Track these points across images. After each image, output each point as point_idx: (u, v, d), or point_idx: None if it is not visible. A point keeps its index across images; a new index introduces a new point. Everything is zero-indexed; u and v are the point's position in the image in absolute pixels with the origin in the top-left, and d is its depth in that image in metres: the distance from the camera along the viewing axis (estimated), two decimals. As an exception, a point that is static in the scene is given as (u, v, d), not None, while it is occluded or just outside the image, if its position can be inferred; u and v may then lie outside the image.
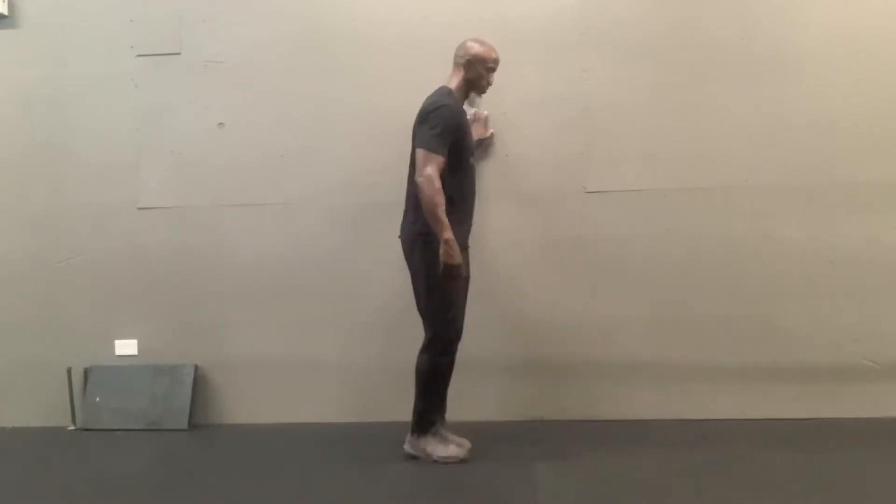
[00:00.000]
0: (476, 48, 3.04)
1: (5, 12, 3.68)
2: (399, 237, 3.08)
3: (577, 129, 3.53)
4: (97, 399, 3.66)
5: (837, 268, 3.44)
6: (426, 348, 3.01)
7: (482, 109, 3.46)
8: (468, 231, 3.08)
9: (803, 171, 3.46)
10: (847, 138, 3.44)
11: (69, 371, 3.67)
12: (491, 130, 3.50)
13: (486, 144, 3.50)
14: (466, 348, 3.27)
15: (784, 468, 2.83)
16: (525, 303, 3.55)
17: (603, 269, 3.52)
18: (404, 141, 3.03)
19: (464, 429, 3.19)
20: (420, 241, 2.94)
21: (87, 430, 3.63)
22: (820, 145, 3.45)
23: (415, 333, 3.05)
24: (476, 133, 3.37)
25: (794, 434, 3.25)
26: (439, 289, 2.93)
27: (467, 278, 3.08)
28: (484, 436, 3.22)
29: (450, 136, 2.90)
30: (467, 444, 3.10)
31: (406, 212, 3.05)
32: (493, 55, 3.06)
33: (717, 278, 3.48)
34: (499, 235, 3.52)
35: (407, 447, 3.06)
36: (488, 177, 3.49)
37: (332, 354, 3.61)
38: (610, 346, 3.51)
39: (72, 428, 3.67)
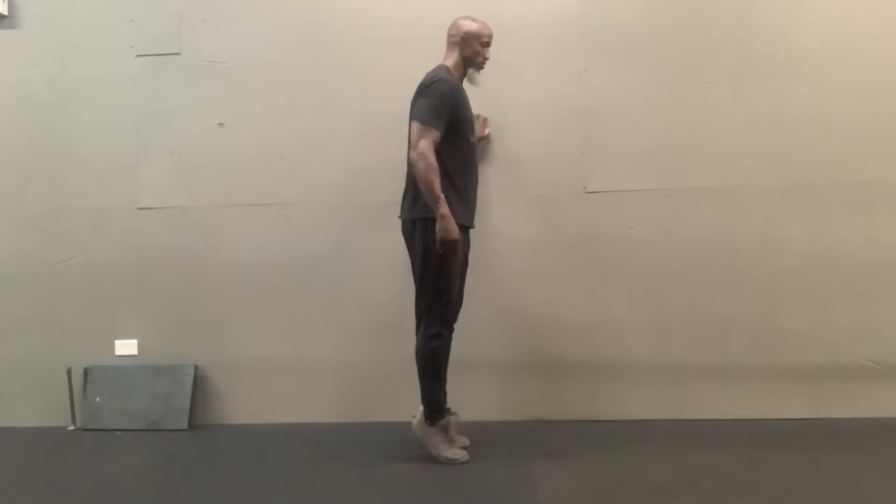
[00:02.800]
0: (468, 24, 3.03)
1: (5, 12, 3.68)
2: (399, 217, 3.07)
3: (577, 129, 3.53)
4: (97, 399, 3.66)
5: (837, 268, 3.44)
6: (422, 331, 3.00)
7: (480, 106, 3.44)
8: (472, 211, 3.05)
9: (803, 171, 3.46)
10: (847, 138, 3.44)
11: (69, 371, 3.67)
12: (488, 130, 3.50)
13: (484, 144, 3.50)
14: (466, 348, 3.28)
15: (784, 468, 2.83)
16: (525, 303, 3.55)
17: (603, 269, 3.52)
18: (404, 140, 3.03)
19: (464, 429, 3.19)
20: (420, 223, 2.93)
21: (87, 430, 3.63)
22: (820, 145, 3.46)
23: (414, 333, 3.05)
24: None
25: (794, 434, 3.25)
26: (436, 272, 2.92)
27: (465, 262, 3.07)
28: (484, 436, 3.23)
29: (447, 110, 2.88)
30: (466, 441, 3.11)
31: (406, 192, 3.03)
32: (487, 30, 3.06)
33: (717, 278, 3.49)
34: (499, 235, 3.52)
35: (414, 425, 3.04)
36: (488, 177, 3.48)
37: (331, 354, 3.61)
38: (610, 346, 3.51)
39: (72, 428, 3.67)
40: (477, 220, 3.12)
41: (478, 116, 3.43)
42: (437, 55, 3.13)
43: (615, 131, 3.52)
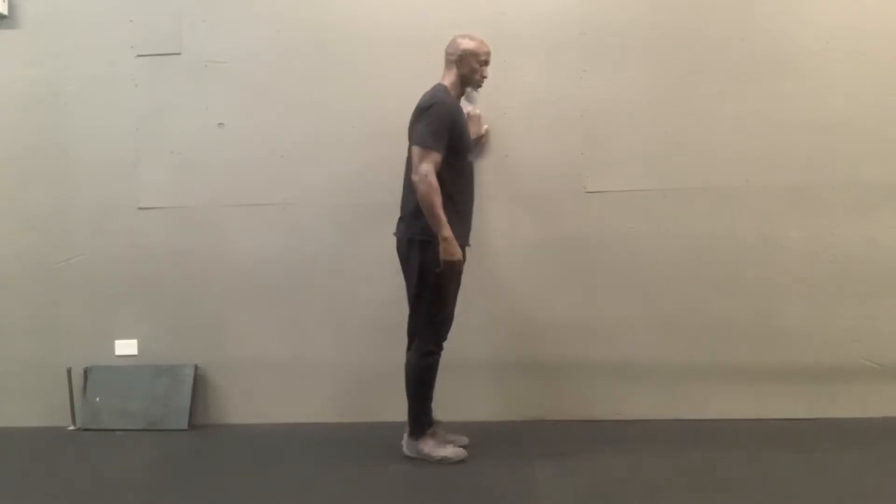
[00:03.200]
0: (466, 43, 3.04)
1: (5, 12, 3.68)
2: (395, 235, 3.07)
3: (577, 129, 3.53)
4: (97, 399, 3.66)
5: (837, 268, 3.45)
6: (415, 349, 3.02)
7: (479, 107, 3.44)
8: (469, 230, 3.08)
9: (803, 171, 3.46)
10: (847, 138, 3.44)
11: (69, 371, 3.67)
12: (485, 126, 3.50)
13: (482, 143, 3.50)
14: (466, 348, 3.28)
15: (784, 468, 2.83)
16: (525, 303, 3.55)
17: (603, 269, 3.52)
18: (404, 141, 3.03)
19: (464, 429, 3.20)
20: (417, 242, 2.94)
21: (87, 430, 3.63)
22: (820, 145, 3.46)
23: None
24: (471, 132, 3.36)
25: (794, 434, 3.25)
26: (432, 291, 2.94)
27: (460, 278, 3.09)
28: (484, 436, 3.23)
29: (446, 133, 2.89)
30: (465, 440, 3.11)
31: (402, 211, 3.05)
32: (485, 48, 3.06)
33: (717, 278, 3.49)
34: (499, 235, 3.53)
35: (405, 449, 3.06)
36: (487, 177, 3.49)
37: (331, 354, 3.61)
38: (609, 346, 3.51)
39: (72, 428, 3.67)
40: (476, 220, 3.13)
41: (472, 113, 3.42)
42: (437, 56, 3.12)
43: (615, 131, 3.52)
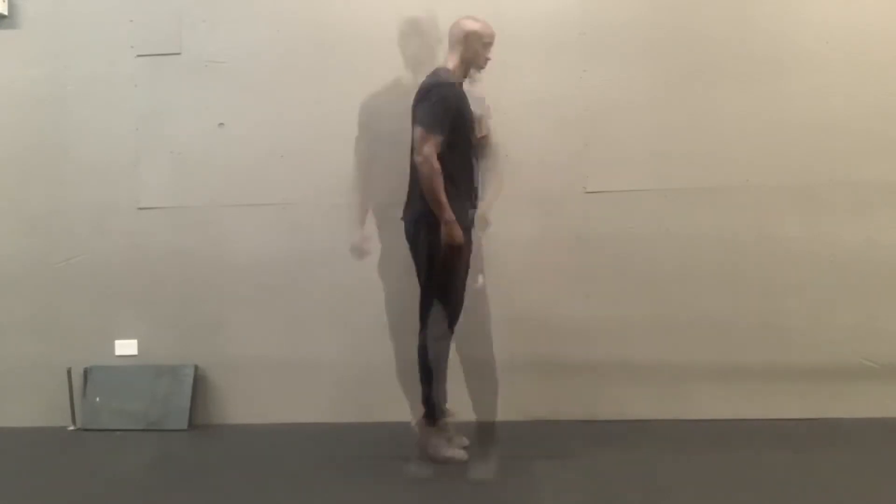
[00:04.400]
0: (471, 25, 3.04)
1: (5, 12, 3.68)
2: (402, 219, 3.07)
3: (577, 129, 3.53)
4: (97, 399, 3.66)
5: (837, 268, 3.45)
6: (426, 330, 3.01)
7: (479, 108, 3.44)
8: (472, 210, 3.06)
9: (803, 171, 3.46)
10: (847, 138, 3.45)
11: (69, 371, 3.67)
12: (485, 132, 3.49)
13: (482, 145, 3.49)
14: (467, 348, 3.29)
15: (784, 468, 2.83)
16: (525, 303, 3.55)
17: (603, 269, 3.52)
18: (404, 141, 3.03)
19: (464, 429, 3.20)
20: (424, 222, 2.93)
21: (87, 430, 3.63)
22: (820, 145, 3.46)
23: (414, 333, 3.06)
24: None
25: (794, 434, 3.25)
26: (441, 271, 2.93)
27: (468, 261, 3.08)
28: (484, 436, 3.22)
29: (448, 114, 2.89)
30: (465, 441, 3.11)
31: (409, 193, 3.04)
32: (489, 30, 3.07)
33: (717, 278, 3.49)
34: (499, 235, 3.52)
35: (414, 426, 3.06)
36: (488, 177, 3.48)
37: (331, 354, 3.61)
38: (609, 346, 3.51)
39: (72, 428, 3.67)
40: (477, 221, 3.12)
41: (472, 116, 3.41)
42: (437, 56, 3.12)
43: (615, 131, 3.52)
